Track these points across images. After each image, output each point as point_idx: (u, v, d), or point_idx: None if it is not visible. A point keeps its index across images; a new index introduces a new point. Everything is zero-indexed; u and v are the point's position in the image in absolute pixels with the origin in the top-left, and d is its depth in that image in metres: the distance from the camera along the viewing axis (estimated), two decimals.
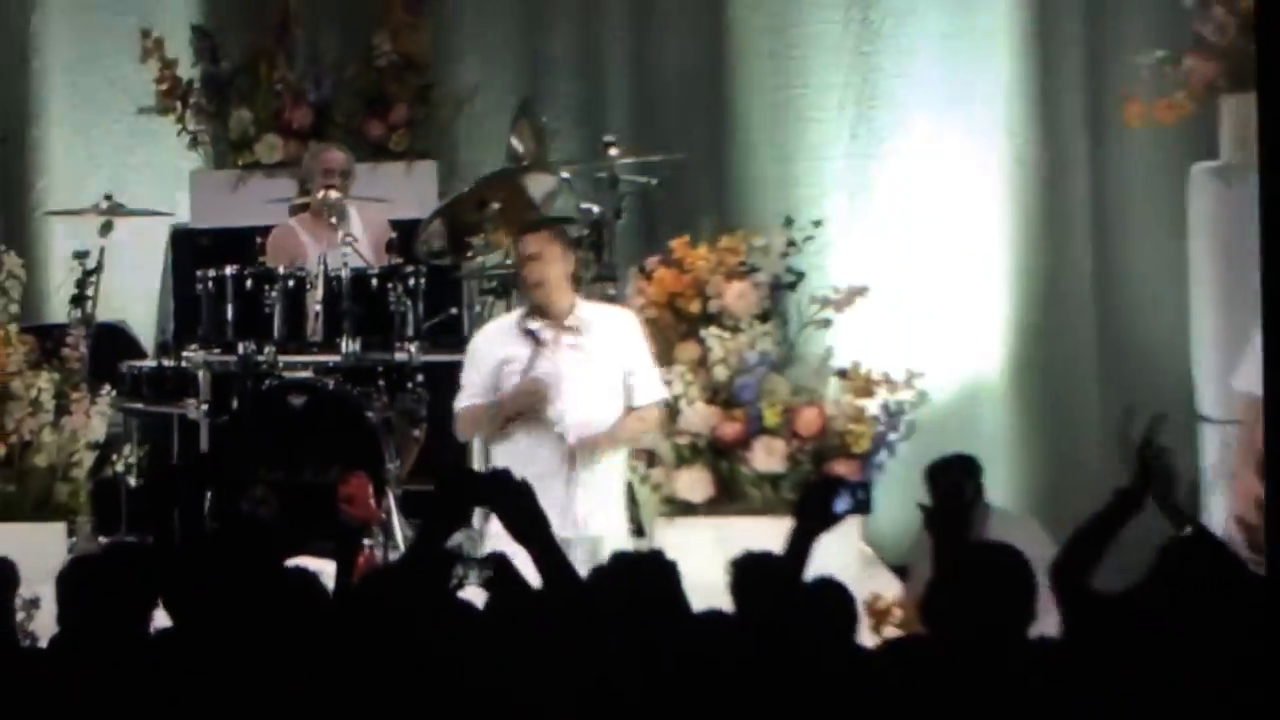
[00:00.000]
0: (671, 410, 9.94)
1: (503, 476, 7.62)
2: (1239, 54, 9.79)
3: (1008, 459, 10.81)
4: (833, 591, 5.87)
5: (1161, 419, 6.37)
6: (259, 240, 10.80)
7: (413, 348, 10.34)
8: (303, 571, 6.40)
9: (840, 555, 8.20)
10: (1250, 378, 8.69)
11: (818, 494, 6.33)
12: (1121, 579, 5.86)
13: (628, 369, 9.29)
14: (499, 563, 6.02)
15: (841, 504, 6.34)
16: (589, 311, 9.36)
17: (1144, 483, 6.19)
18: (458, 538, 8.37)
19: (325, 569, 6.89)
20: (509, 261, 10.60)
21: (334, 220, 10.57)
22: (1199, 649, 5.54)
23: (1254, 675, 5.39)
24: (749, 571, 5.99)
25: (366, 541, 9.07)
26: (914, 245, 11.11)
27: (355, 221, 10.74)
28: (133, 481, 10.62)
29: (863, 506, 9.29)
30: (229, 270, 10.42)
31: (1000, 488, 9.76)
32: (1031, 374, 11.16)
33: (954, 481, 6.44)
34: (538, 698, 5.19)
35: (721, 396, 9.96)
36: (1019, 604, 5.71)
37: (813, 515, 6.15)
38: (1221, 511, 8.96)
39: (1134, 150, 10.94)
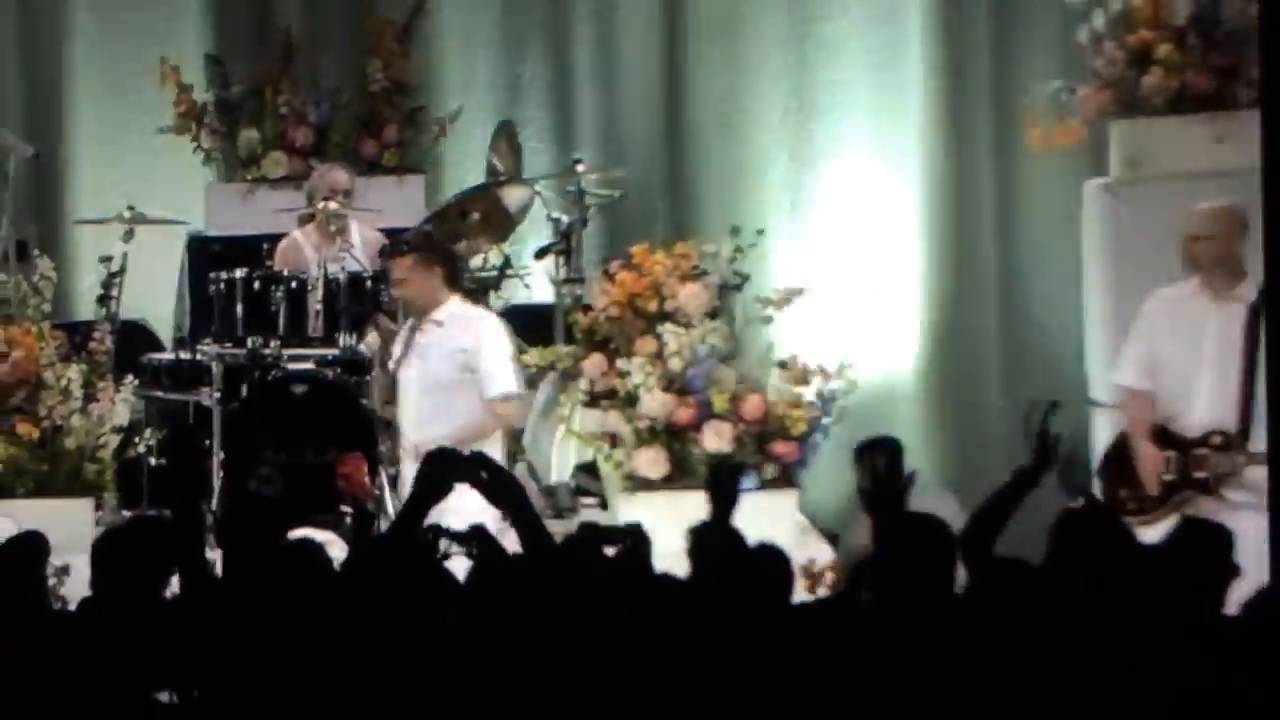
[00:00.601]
0: (631, 397, 10.01)
1: (481, 455, 7.72)
2: (1126, 84, 9.80)
3: (922, 440, 10.72)
4: (772, 556, 5.93)
5: (1055, 406, 6.50)
6: (266, 247, 10.82)
7: None
8: (308, 541, 6.42)
9: (778, 525, 8.57)
10: (1125, 372, 8.89)
11: (723, 478, 6.46)
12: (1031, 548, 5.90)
13: (472, 366, 9.40)
14: (480, 534, 6.01)
15: (747, 483, 6.52)
16: (451, 315, 9.53)
17: (1040, 462, 6.30)
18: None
19: (326, 539, 7.05)
20: (487, 266, 10.89)
21: (335, 230, 10.61)
22: (1091, 606, 5.54)
23: (1137, 626, 5.43)
24: (702, 538, 6.07)
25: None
26: (844, 252, 11.09)
27: (354, 231, 10.74)
28: (153, 461, 10.58)
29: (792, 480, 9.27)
30: (239, 273, 10.48)
31: (916, 466, 10.28)
32: (944, 365, 11.13)
33: (891, 463, 6.46)
34: (519, 648, 5.21)
35: (676, 385, 10.01)
36: (949, 568, 5.81)
37: (721, 496, 6.30)
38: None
39: (1034, 169, 10.90)
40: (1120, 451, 8.78)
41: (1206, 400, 8.63)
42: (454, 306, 9.58)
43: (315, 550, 6.31)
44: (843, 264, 11.06)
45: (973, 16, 11.10)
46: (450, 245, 10.28)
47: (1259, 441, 8.15)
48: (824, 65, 11.28)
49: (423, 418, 9.51)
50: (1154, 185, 9.78)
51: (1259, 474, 8.16)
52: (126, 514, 10.21)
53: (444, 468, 6.27)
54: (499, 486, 6.03)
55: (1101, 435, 9.60)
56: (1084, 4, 9.95)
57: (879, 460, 6.61)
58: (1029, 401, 6.65)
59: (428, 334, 9.53)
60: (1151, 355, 8.78)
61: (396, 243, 9.93)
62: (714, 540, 6.14)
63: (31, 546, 6.67)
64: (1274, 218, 3.37)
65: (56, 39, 12.22)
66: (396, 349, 9.72)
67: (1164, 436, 8.64)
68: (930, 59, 11.18)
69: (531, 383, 10.52)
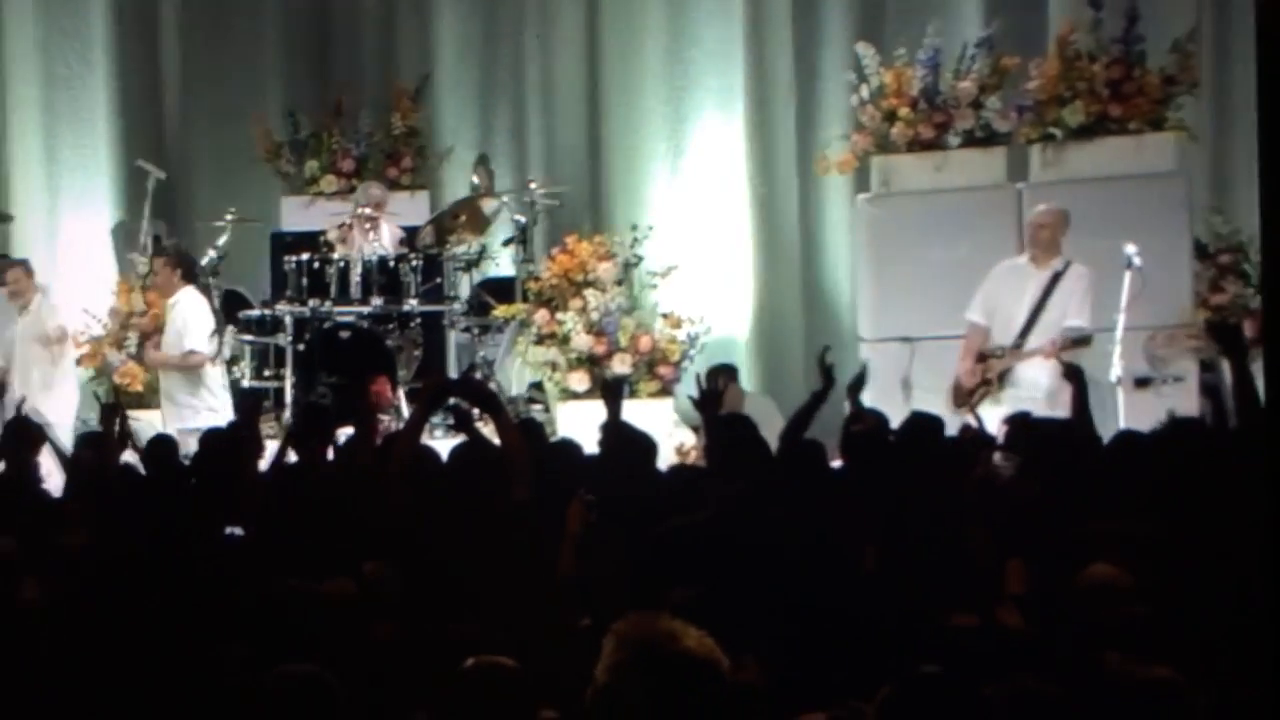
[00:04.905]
0: (565, 338, 10.10)
1: (469, 376, 7.84)
2: (881, 133, 9.99)
3: (751, 365, 10.93)
4: (642, 437, 6.32)
5: (828, 349, 6.74)
6: (322, 237, 10.78)
7: (414, 302, 10.43)
8: (353, 437, 6.75)
9: (659, 421, 9.07)
10: (973, 311, 8.85)
11: (612, 388, 6.80)
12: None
13: (181, 331, 9.82)
14: (462, 415, 6.08)
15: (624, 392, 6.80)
16: (179, 300, 9.85)
17: (826, 385, 6.53)
18: None
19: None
20: (470, 251, 10.90)
21: (368, 226, 10.63)
22: (867, 478, 5.79)
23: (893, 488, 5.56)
24: (608, 429, 6.45)
25: (384, 418, 9.28)
26: (704, 242, 11.13)
27: (384, 228, 10.80)
28: (246, 383, 10.56)
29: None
30: (304, 257, 10.52)
31: (749, 382, 10.44)
32: (764, 317, 11.26)
33: (713, 381, 6.78)
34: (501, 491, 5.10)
35: (595, 329, 10.15)
36: (756, 448, 6.06)
37: (611, 401, 6.59)
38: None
39: (823, 188, 11.11)
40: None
41: (1012, 327, 8.74)
42: (182, 294, 9.86)
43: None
44: (703, 250, 11.09)
45: (780, 86, 11.25)
46: (190, 254, 10.41)
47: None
48: (691, 117, 11.37)
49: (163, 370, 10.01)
50: (898, 199, 10.02)
51: (1022, 370, 8.57)
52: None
53: (441, 387, 6.55)
54: (484, 397, 6.10)
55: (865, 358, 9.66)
56: (855, 80, 10.12)
57: (715, 378, 6.99)
58: (823, 347, 6.82)
59: (168, 312, 9.86)
60: (991, 302, 8.86)
61: (159, 249, 10.05)
62: (608, 428, 6.46)
63: (167, 441, 7.11)
64: (1272, 218, 2.84)
65: (180, 99, 12.16)
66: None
67: (980, 356, 8.75)
68: (754, 116, 11.24)
69: (499, 329, 10.61)
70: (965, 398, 8.66)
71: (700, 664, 2.75)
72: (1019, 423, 6.74)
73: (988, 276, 8.89)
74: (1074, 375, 6.78)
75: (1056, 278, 8.66)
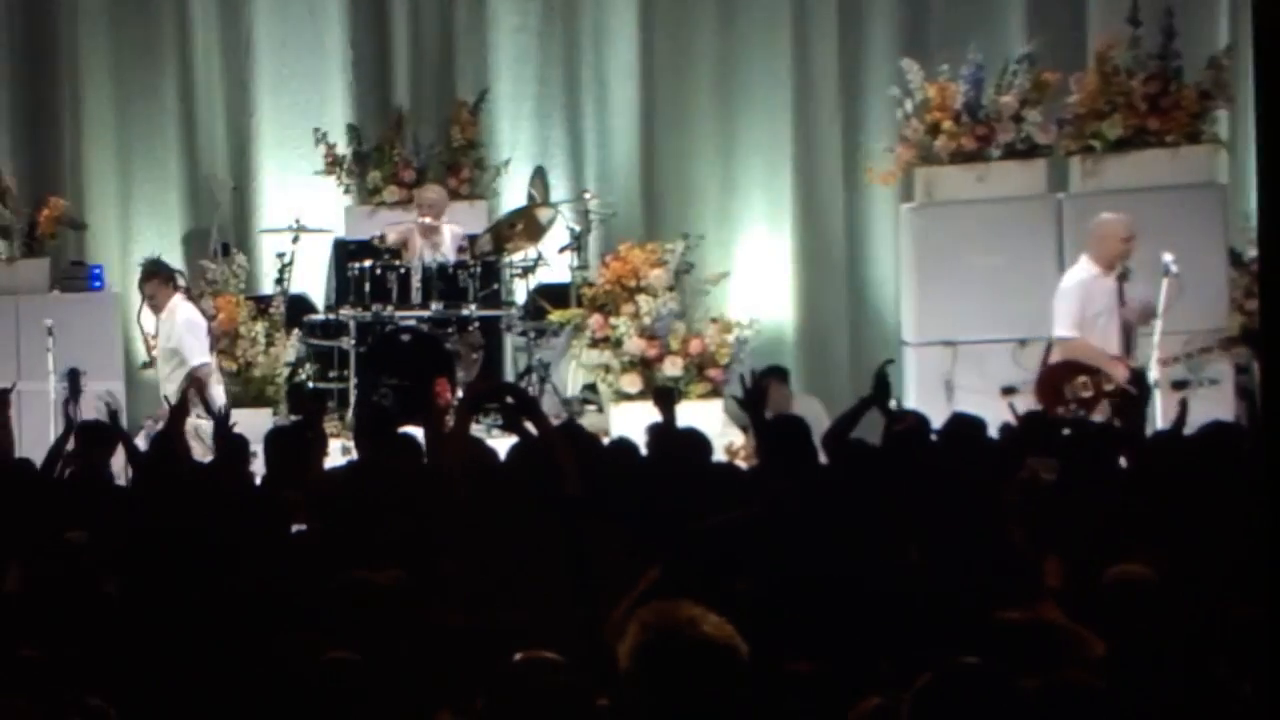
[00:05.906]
0: (619, 341, 10.18)
1: (510, 384, 7.87)
2: (925, 145, 9.99)
3: (799, 367, 10.84)
4: (697, 435, 6.41)
5: (890, 361, 6.70)
6: (384, 250, 10.69)
7: (473, 307, 10.46)
8: (409, 435, 6.82)
9: (710, 421, 9.15)
10: (1067, 328, 8.67)
11: (664, 395, 6.83)
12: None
13: (178, 348, 9.60)
14: (511, 417, 5.93)
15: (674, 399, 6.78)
16: (172, 310, 9.64)
17: (877, 393, 6.37)
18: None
19: (419, 433, 7.33)
20: (526, 258, 10.89)
21: (429, 233, 10.65)
22: (905, 479, 5.65)
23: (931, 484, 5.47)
24: (657, 431, 6.55)
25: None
26: (752, 250, 11.15)
27: (445, 234, 10.78)
28: (310, 385, 10.66)
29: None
30: (367, 263, 10.54)
31: (797, 385, 10.39)
32: (812, 322, 11.25)
33: (757, 382, 6.53)
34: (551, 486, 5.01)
35: (647, 333, 10.22)
36: (806, 447, 6.00)
37: (664, 408, 6.60)
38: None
39: (870, 197, 11.08)
40: (1050, 377, 8.68)
41: (1112, 337, 8.73)
42: (175, 303, 9.71)
43: (414, 440, 6.71)
44: (751, 257, 11.07)
45: (827, 101, 11.28)
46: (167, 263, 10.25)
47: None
48: (740, 134, 11.37)
49: (162, 375, 9.79)
50: (941, 208, 10.05)
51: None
52: (293, 418, 10.01)
53: (490, 389, 6.55)
54: (522, 400, 5.89)
55: (910, 366, 9.86)
56: (899, 95, 10.14)
57: (761, 379, 6.97)
58: (884, 361, 6.73)
59: (163, 324, 9.73)
60: (1081, 315, 8.74)
61: (146, 266, 9.96)
62: (660, 430, 6.54)
63: (242, 443, 7.01)
64: (1271, 218, 2.71)
65: (248, 113, 12.14)
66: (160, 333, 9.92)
67: (1078, 366, 8.66)
68: (801, 129, 11.28)
69: (555, 333, 10.67)
70: (1092, 403, 8.49)
71: (718, 648, 2.78)
72: (1035, 420, 6.72)
73: (1067, 293, 8.72)
74: (1137, 379, 6.93)
75: (1122, 281, 8.68)
